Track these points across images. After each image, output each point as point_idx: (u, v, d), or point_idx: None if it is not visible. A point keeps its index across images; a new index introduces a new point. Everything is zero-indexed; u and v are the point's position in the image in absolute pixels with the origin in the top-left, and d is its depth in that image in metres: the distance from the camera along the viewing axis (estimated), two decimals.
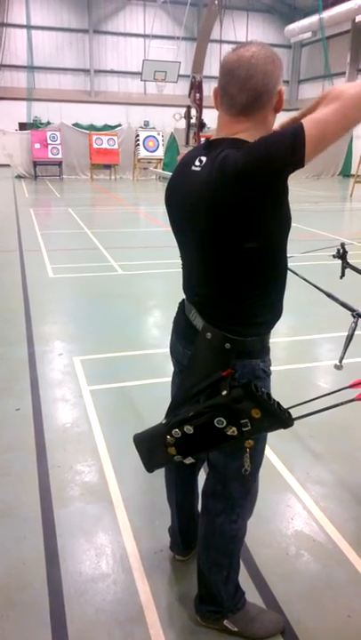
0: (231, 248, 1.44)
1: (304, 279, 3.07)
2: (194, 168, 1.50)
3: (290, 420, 1.49)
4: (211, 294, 1.59)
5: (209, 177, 1.40)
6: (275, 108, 1.49)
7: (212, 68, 26.89)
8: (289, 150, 1.29)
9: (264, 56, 1.42)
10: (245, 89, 1.42)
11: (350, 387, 2.18)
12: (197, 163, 1.49)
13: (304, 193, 16.83)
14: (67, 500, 2.57)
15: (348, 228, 12.01)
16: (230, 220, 1.39)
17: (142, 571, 2.16)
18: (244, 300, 1.54)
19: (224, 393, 1.49)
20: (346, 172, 23.13)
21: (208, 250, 1.51)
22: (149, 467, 1.71)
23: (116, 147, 20.45)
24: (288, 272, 1.61)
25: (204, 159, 1.47)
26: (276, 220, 1.44)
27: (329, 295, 2.85)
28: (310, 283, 3.02)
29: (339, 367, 2.56)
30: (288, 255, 1.59)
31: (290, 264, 1.66)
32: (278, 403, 1.49)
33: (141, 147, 20.29)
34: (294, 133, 1.28)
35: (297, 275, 2.93)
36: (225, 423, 1.46)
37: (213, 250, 1.49)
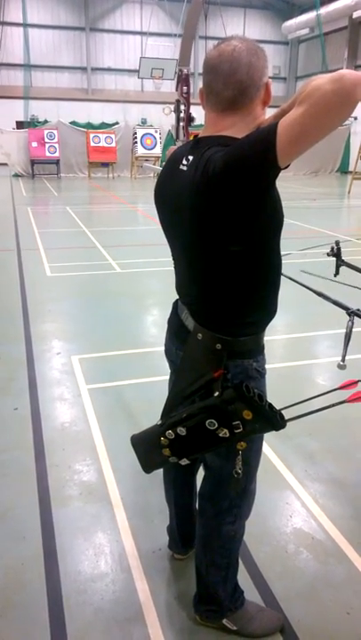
0: (216, 250, 1.41)
1: (294, 280, 3.04)
2: (181, 167, 1.47)
3: (282, 421, 1.47)
4: (200, 295, 1.57)
5: (194, 177, 1.37)
6: (263, 102, 1.45)
7: None
8: (261, 153, 1.21)
9: (246, 49, 1.39)
10: (230, 83, 1.39)
11: (340, 388, 2.16)
12: (185, 162, 1.46)
13: (302, 190, 16.83)
14: (65, 499, 2.57)
15: (346, 224, 12.00)
16: (213, 222, 1.35)
17: (141, 570, 2.16)
18: (233, 301, 1.51)
19: (216, 394, 1.47)
20: (344, 169, 23.11)
21: (194, 251, 1.49)
22: (146, 468, 1.69)
23: (113, 145, 20.45)
24: (299, 267, 1.56)
25: (191, 158, 1.43)
26: (262, 223, 1.37)
27: (320, 294, 2.84)
28: (301, 284, 3.00)
29: (342, 367, 2.53)
30: (286, 252, 1.57)
31: (289, 261, 1.63)
32: (270, 404, 1.47)
33: (139, 144, 20.27)
34: (267, 135, 1.19)
35: (289, 278, 2.91)
36: (216, 425, 1.44)
37: (199, 251, 1.46)
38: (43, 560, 2.20)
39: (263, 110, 1.47)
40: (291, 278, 3.00)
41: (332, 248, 2.91)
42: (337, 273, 2.94)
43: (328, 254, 2.94)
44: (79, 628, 1.91)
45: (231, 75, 1.39)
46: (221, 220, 1.34)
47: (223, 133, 1.43)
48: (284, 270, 1.62)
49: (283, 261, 1.58)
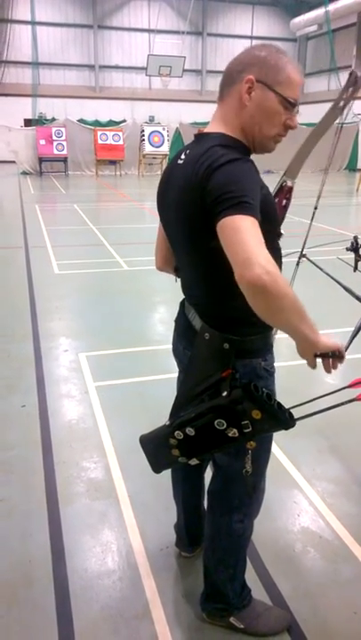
0: (215, 248, 1.37)
1: (328, 274, 3.00)
2: (179, 161, 1.49)
3: (291, 420, 1.46)
4: (204, 295, 1.56)
5: (185, 174, 1.40)
6: (247, 93, 1.41)
7: (217, 61, 26.78)
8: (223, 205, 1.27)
9: (260, 47, 1.43)
10: (224, 74, 1.48)
11: (350, 386, 2.15)
12: (182, 156, 1.48)
13: (309, 187, 16.74)
14: (72, 496, 2.58)
15: (355, 222, 11.94)
16: (206, 220, 1.34)
17: (148, 567, 2.16)
18: (237, 300, 1.45)
19: (224, 394, 1.46)
20: (352, 167, 22.98)
21: (193, 250, 1.49)
22: (156, 467, 1.69)
23: (121, 142, 20.41)
24: (311, 266, 1.54)
25: (188, 152, 1.46)
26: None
27: (347, 290, 2.82)
28: (333, 278, 2.97)
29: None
30: (292, 250, 1.55)
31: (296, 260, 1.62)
32: (279, 403, 1.46)
33: (147, 142, 20.22)
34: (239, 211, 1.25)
35: (320, 269, 2.88)
36: (225, 425, 1.43)
37: (199, 250, 1.45)
38: (50, 557, 2.21)
39: (247, 114, 1.44)
40: (325, 271, 2.98)
41: (352, 243, 2.89)
42: (356, 268, 2.91)
43: (347, 249, 2.92)
44: (86, 624, 1.91)
45: (227, 67, 1.48)
46: (203, 217, 1.35)
47: (218, 130, 1.45)
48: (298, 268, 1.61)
49: (292, 259, 1.57)
